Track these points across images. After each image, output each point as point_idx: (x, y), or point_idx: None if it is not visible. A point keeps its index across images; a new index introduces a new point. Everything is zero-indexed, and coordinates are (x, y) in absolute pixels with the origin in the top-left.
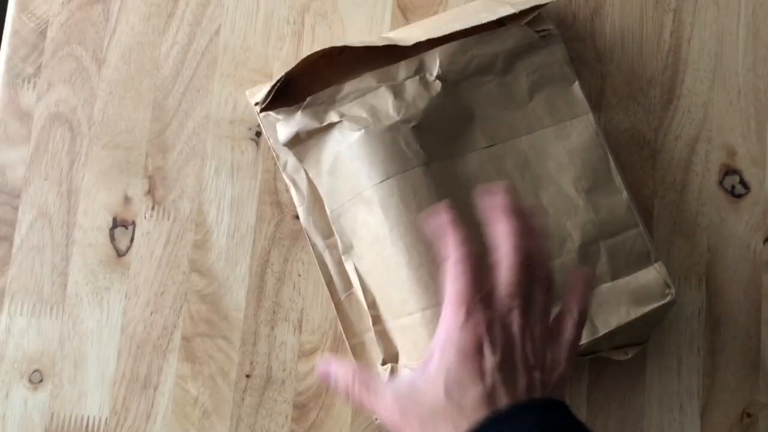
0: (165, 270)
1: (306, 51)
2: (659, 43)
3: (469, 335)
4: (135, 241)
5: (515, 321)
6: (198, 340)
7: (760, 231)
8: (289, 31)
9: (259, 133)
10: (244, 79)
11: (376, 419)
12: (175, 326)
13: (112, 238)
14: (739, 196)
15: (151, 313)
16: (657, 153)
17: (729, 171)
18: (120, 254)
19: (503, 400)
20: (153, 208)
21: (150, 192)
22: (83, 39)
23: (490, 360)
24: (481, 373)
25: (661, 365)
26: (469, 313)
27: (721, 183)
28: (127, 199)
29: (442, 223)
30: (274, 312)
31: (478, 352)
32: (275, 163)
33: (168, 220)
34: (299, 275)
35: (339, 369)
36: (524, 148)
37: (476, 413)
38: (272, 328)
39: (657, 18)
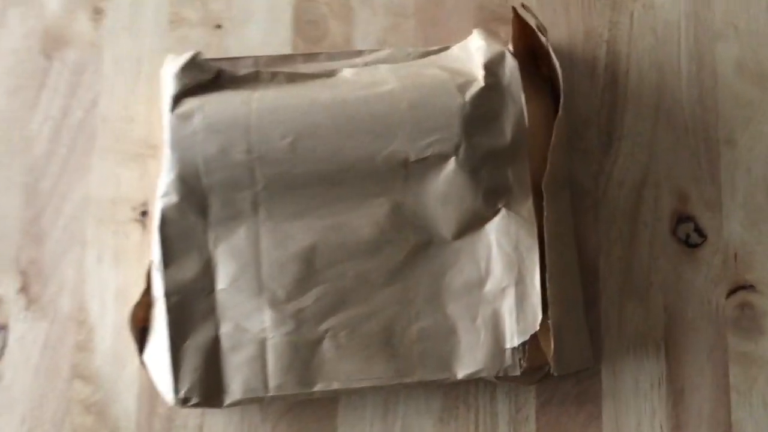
0: (43, 378)
1: None
2: (593, 78)
3: None
4: (8, 347)
5: None
6: None
7: (722, 284)
8: None
9: (144, 213)
10: (127, 153)
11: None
12: None
13: None
14: (695, 245)
15: (28, 431)
16: (599, 203)
17: (682, 218)
18: None
19: None
20: (27, 308)
21: (23, 289)
22: None
23: None
24: None
25: None
26: None
27: (674, 232)
28: None
29: None
30: (171, 419)
31: None
32: None
33: (45, 320)
34: None
35: None
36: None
37: None
38: None
39: (588, 51)
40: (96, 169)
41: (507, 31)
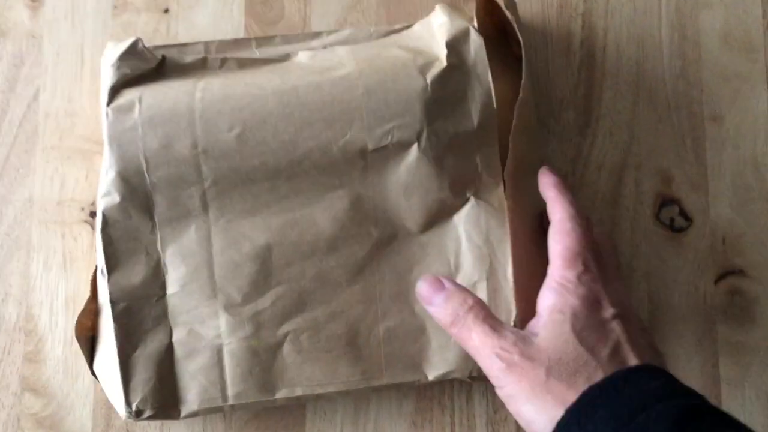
0: None
1: None
2: (568, 55)
3: (588, 286)
4: None
5: (615, 279)
6: None
7: (710, 269)
8: None
9: (93, 213)
10: (72, 150)
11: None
12: None
13: None
14: (680, 230)
15: None
16: (577, 188)
17: (666, 201)
18: None
19: (630, 356)
20: None
21: None
22: None
23: (609, 311)
24: (606, 323)
25: None
26: (585, 267)
27: (657, 216)
28: None
29: (550, 184)
30: (128, 431)
31: (599, 303)
32: None
33: None
34: None
35: (456, 292)
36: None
37: (609, 365)
38: None
39: (562, 25)
40: (39, 169)
41: (472, 6)
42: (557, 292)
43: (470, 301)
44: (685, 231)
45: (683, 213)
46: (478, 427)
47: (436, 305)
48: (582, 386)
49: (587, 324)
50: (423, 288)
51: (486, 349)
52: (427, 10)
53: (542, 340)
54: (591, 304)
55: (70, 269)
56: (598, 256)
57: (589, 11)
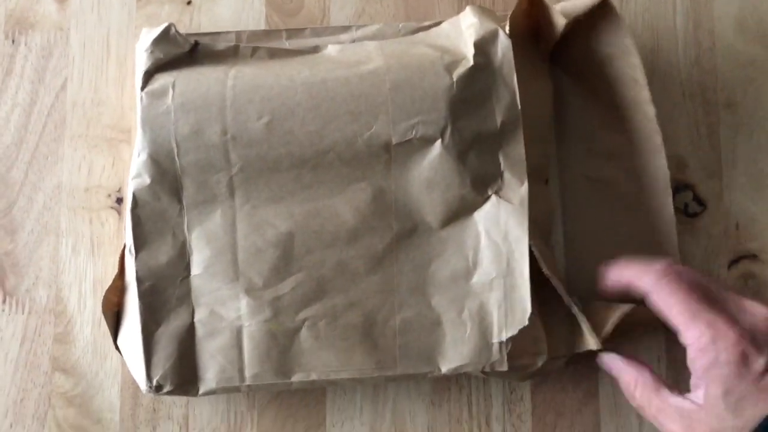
0: (23, 372)
1: None
2: None
3: (733, 347)
4: None
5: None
6: None
7: (723, 254)
8: None
9: (119, 200)
10: (99, 139)
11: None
12: None
13: None
14: (694, 215)
15: (11, 426)
16: None
17: (680, 187)
18: None
19: None
20: (4, 301)
21: None
22: None
23: (759, 362)
24: (757, 380)
25: (618, 425)
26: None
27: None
28: None
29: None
30: (155, 410)
31: (746, 358)
32: None
33: (22, 313)
34: None
35: (625, 367)
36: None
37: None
38: (154, 428)
39: None
40: (67, 157)
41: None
42: (703, 355)
43: (640, 374)
44: (698, 216)
45: (697, 198)
46: (494, 407)
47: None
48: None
49: (741, 352)
50: (606, 362)
51: (661, 421)
52: (446, 1)
53: (708, 399)
54: (739, 365)
55: (97, 253)
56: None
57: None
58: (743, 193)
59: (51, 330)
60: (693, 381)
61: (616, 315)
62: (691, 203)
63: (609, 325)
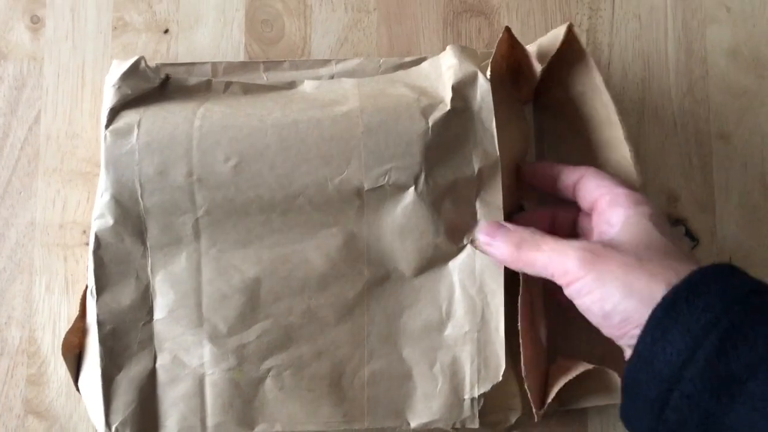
0: None
1: None
2: None
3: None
4: None
5: None
6: None
7: None
8: None
9: None
10: (74, 173)
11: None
12: None
13: None
14: None
15: None
16: None
17: (672, 221)
18: None
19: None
20: None
21: None
22: None
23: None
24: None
25: None
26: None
27: None
28: None
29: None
30: None
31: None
32: None
33: None
34: None
35: (520, 227)
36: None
37: (693, 260)
38: None
39: None
40: (41, 192)
41: (479, 25)
42: (627, 206)
43: (534, 228)
44: (691, 251)
45: (689, 233)
46: None
47: (500, 238)
48: (678, 269)
49: (665, 222)
50: (483, 228)
51: (561, 250)
52: (428, 29)
53: (622, 235)
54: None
55: (72, 292)
56: None
57: (593, 28)
58: (737, 227)
59: (24, 371)
60: (610, 225)
61: (566, 377)
62: (683, 238)
63: (556, 387)
